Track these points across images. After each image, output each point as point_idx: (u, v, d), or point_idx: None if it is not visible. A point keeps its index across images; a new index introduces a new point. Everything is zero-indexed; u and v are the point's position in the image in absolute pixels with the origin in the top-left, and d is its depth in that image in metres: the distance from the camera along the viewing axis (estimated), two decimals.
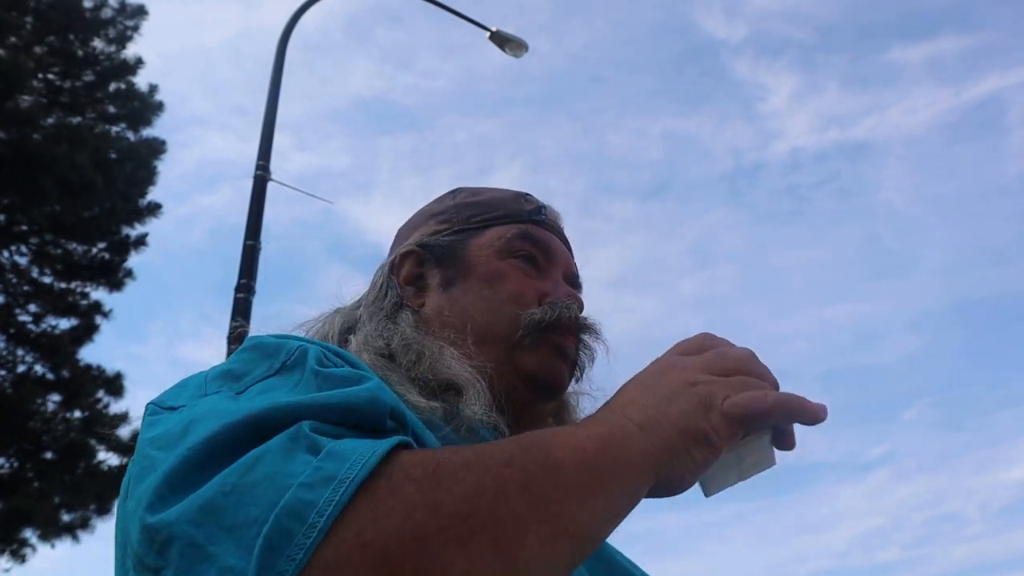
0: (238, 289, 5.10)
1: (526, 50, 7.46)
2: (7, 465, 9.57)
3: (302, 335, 0.90)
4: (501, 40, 7.44)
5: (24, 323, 10.40)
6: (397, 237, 1.06)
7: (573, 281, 1.01)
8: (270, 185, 5.64)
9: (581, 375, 0.98)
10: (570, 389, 0.99)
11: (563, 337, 0.92)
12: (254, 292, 5.12)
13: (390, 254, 1.03)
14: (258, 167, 5.67)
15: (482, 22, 7.47)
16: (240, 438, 0.54)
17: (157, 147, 11.38)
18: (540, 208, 1.02)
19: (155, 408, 0.66)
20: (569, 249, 1.04)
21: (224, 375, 0.66)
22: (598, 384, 1.01)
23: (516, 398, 0.87)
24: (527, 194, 1.04)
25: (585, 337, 0.96)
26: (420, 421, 0.72)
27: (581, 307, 0.96)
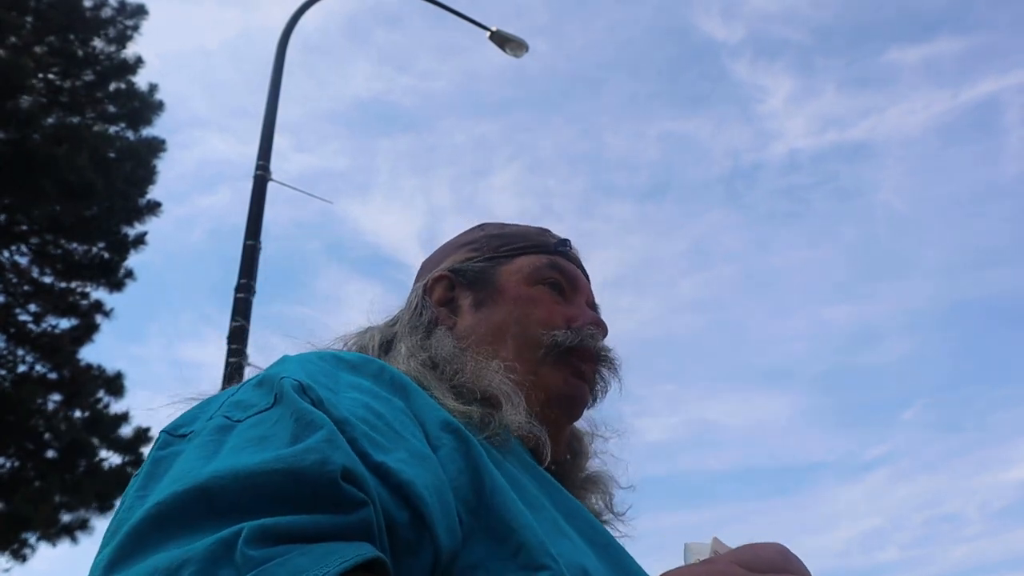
0: (238, 289, 5.10)
1: (526, 50, 7.47)
2: (8, 465, 9.58)
3: (340, 347, 0.95)
4: (501, 40, 7.44)
5: (24, 323, 10.41)
6: (423, 267, 1.12)
7: (594, 310, 1.07)
8: (269, 185, 5.65)
9: (594, 403, 1.02)
10: (584, 425, 1.03)
11: (582, 362, 0.97)
12: (254, 292, 5.12)
13: (418, 281, 1.08)
14: (258, 167, 5.68)
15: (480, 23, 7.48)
16: (189, 508, 0.54)
17: (157, 146, 11.39)
18: (565, 241, 1.09)
19: (165, 438, 0.67)
20: (588, 281, 1.10)
21: (236, 404, 0.67)
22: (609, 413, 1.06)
23: (543, 416, 0.90)
24: (548, 229, 1.12)
25: (603, 368, 1.01)
26: (462, 423, 0.75)
27: (606, 332, 1.02)
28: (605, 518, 1.00)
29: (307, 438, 0.59)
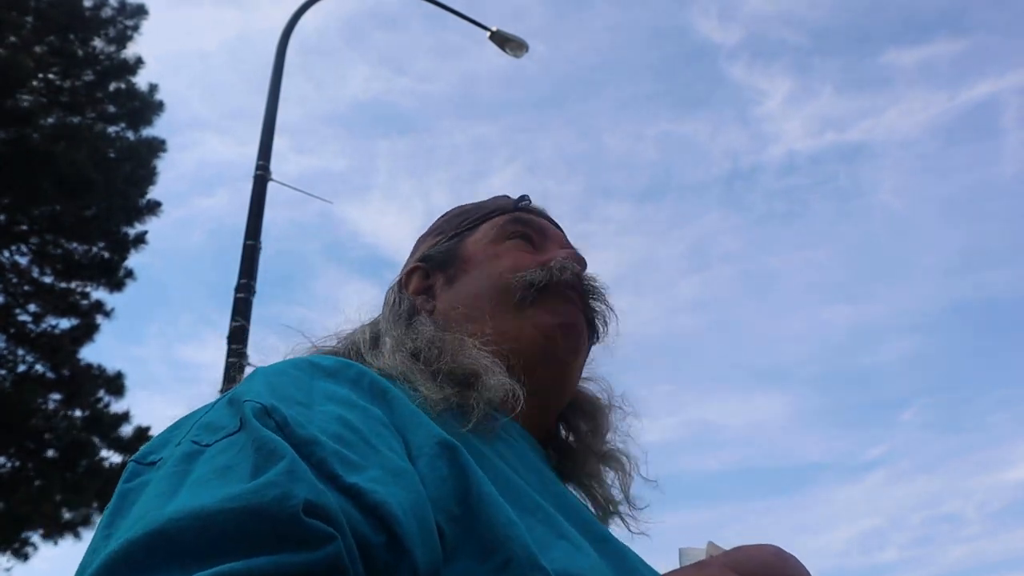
0: (238, 289, 5.10)
1: (526, 50, 7.47)
2: (8, 464, 9.59)
3: (335, 343, 0.93)
4: (501, 40, 7.44)
5: (24, 323, 10.41)
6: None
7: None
8: (269, 186, 5.65)
9: (598, 337, 0.99)
10: (602, 395, 1.01)
11: (566, 291, 0.94)
12: (254, 292, 5.12)
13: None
14: (258, 167, 5.67)
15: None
16: (145, 556, 0.51)
17: (157, 146, 11.39)
18: (523, 196, 1.07)
19: (134, 468, 0.65)
20: (560, 230, 1.08)
21: (206, 427, 0.65)
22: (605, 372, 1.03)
23: (545, 362, 0.88)
24: (507, 196, 1.10)
25: (591, 298, 0.98)
26: (435, 423, 0.71)
27: (582, 263, 0.98)
28: (620, 508, 0.96)
29: (267, 470, 0.56)
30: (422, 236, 1.11)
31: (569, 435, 1.00)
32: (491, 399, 0.80)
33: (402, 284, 1.03)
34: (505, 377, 0.82)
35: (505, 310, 0.92)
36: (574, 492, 0.93)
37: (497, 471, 0.74)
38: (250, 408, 0.62)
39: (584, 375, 1.03)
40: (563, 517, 0.75)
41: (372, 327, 0.97)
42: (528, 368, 0.86)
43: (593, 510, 0.93)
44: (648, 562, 0.78)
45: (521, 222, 1.02)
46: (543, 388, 0.89)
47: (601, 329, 0.99)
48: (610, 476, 0.98)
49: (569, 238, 1.08)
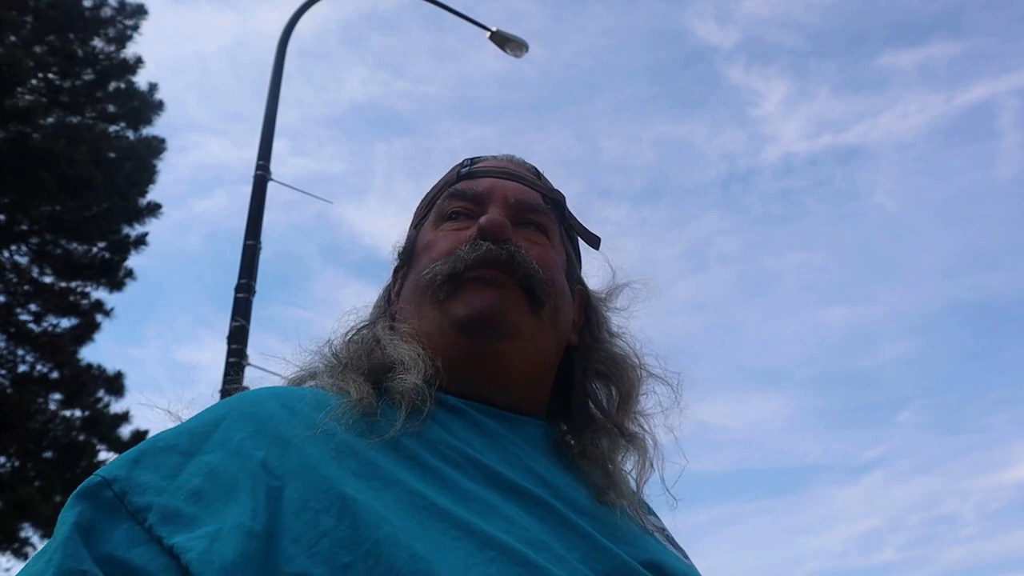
0: (238, 289, 5.10)
1: (526, 50, 7.46)
2: (8, 464, 9.59)
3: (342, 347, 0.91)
4: (501, 40, 7.44)
5: (24, 322, 10.41)
6: None
7: (523, 207, 0.94)
8: (268, 186, 5.65)
9: (542, 303, 0.87)
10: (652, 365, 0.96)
11: (477, 271, 0.86)
12: (254, 292, 5.12)
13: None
14: (258, 167, 5.67)
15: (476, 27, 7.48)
16: None
17: (157, 146, 11.39)
18: (467, 161, 1.00)
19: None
20: (524, 179, 0.97)
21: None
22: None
23: (466, 354, 0.84)
24: (466, 159, 1.02)
25: (516, 264, 0.87)
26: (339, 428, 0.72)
27: (497, 228, 0.88)
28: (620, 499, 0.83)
29: (48, 551, 0.62)
30: None
31: (589, 401, 0.94)
32: (401, 393, 0.77)
33: (387, 288, 1.02)
34: (416, 377, 0.78)
35: (427, 307, 0.87)
36: (568, 472, 0.84)
37: (432, 472, 0.72)
38: (85, 484, 0.67)
39: (615, 331, 0.98)
40: (519, 504, 0.72)
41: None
42: (456, 363, 0.82)
43: (598, 486, 0.83)
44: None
45: (457, 195, 0.94)
46: (486, 376, 0.85)
47: (541, 288, 0.87)
48: (628, 463, 0.88)
49: (532, 174, 0.99)
